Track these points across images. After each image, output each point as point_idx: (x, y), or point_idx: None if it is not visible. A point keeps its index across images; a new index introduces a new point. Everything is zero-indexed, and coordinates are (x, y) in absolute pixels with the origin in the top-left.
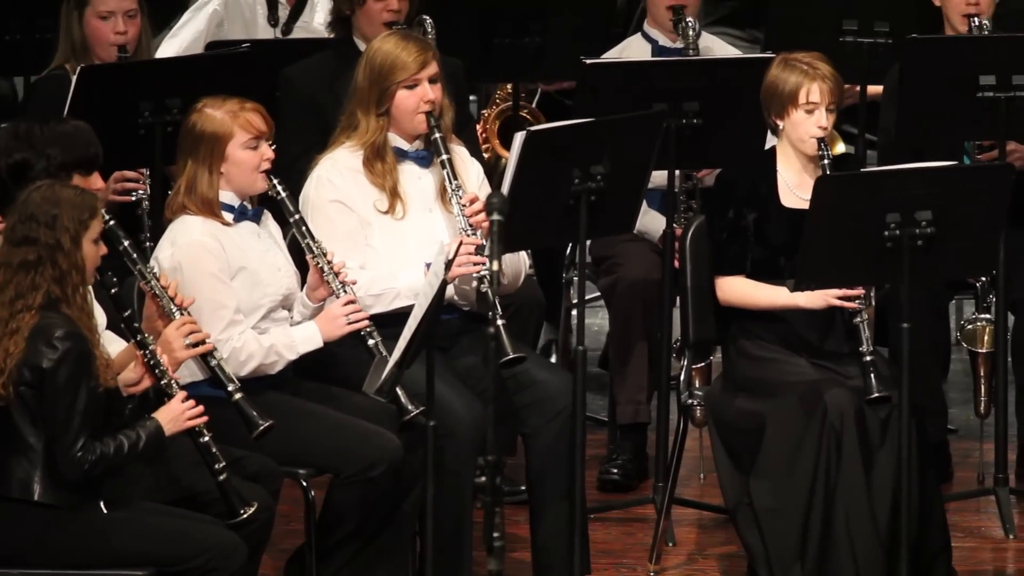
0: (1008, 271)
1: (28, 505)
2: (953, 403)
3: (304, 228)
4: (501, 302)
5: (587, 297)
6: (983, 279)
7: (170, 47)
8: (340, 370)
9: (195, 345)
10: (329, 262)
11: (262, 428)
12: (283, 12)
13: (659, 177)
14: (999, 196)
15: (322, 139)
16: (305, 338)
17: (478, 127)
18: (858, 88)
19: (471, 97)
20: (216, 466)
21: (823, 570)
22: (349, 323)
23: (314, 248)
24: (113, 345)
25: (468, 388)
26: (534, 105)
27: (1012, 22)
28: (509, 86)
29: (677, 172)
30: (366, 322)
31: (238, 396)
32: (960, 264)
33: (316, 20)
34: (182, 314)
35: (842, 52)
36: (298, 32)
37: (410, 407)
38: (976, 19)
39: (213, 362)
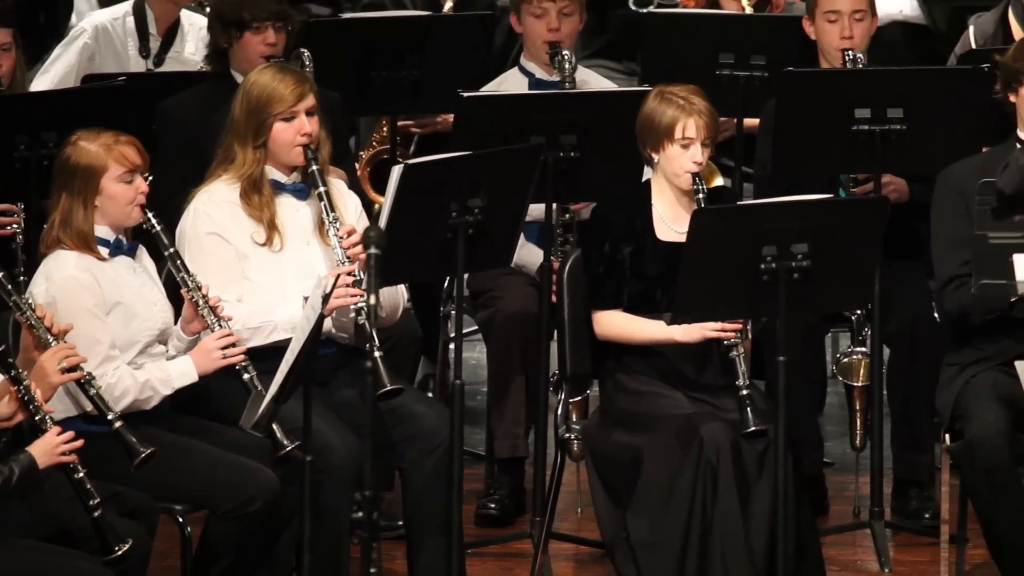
0: (883, 304)
1: None
2: (829, 436)
3: (179, 262)
4: (379, 335)
5: (465, 331)
6: (859, 312)
7: (42, 83)
8: (216, 405)
9: (71, 370)
10: (204, 296)
11: (144, 455)
12: (154, 44)
13: (536, 210)
14: (874, 229)
15: (199, 172)
16: (180, 373)
17: None
18: (735, 121)
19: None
20: (90, 502)
21: None
22: (224, 357)
23: (189, 282)
24: None
25: (345, 423)
26: (411, 151)
27: (886, 55)
28: (385, 128)
29: (554, 205)
30: (241, 356)
31: (118, 424)
32: (836, 297)
33: (187, 50)
34: (58, 342)
35: (718, 85)
36: (170, 63)
37: (285, 442)
38: (851, 52)
39: (92, 391)
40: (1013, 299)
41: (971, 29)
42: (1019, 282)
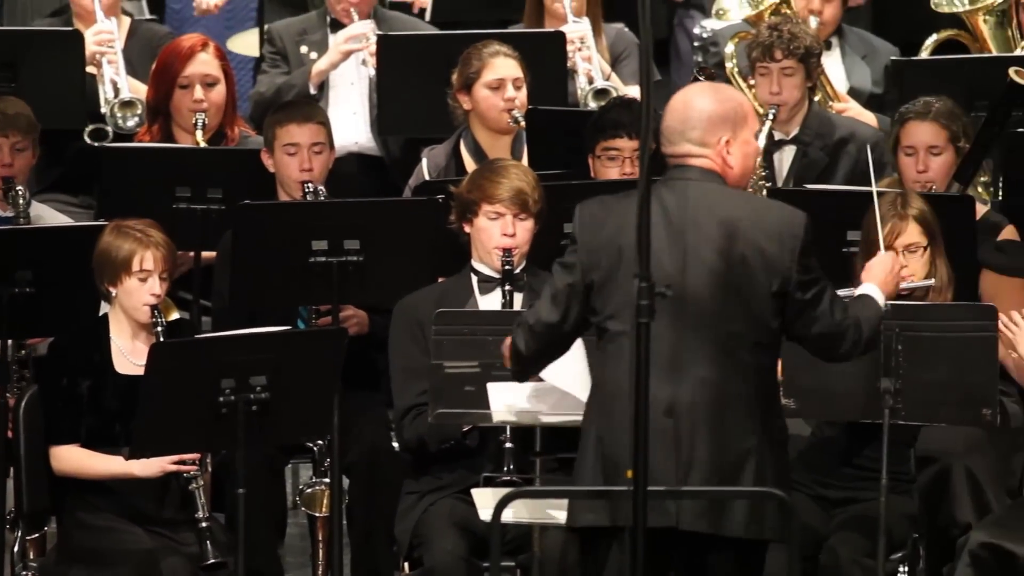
0: (343, 435)
1: None
2: (290, 567)
3: None
4: None
5: None
6: (321, 443)
7: None
8: None
9: None
10: None
11: None
12: None
13: None
14: (332, 360)
15: None
16: None
17: None
18: (192, 254)
19: None
20: None
21: None
22: None
23: None
24: None
25: None
26: None
27: (343, 187)
28: None
29: (10, 341)
30: None
31: None
32: (295, 428)
33: None
34: None
35: (176, 218)
36: None
37: None
38: (310, 185)
39: None
40: (467, 428)
41: (424, 161)
42: (495, 411)
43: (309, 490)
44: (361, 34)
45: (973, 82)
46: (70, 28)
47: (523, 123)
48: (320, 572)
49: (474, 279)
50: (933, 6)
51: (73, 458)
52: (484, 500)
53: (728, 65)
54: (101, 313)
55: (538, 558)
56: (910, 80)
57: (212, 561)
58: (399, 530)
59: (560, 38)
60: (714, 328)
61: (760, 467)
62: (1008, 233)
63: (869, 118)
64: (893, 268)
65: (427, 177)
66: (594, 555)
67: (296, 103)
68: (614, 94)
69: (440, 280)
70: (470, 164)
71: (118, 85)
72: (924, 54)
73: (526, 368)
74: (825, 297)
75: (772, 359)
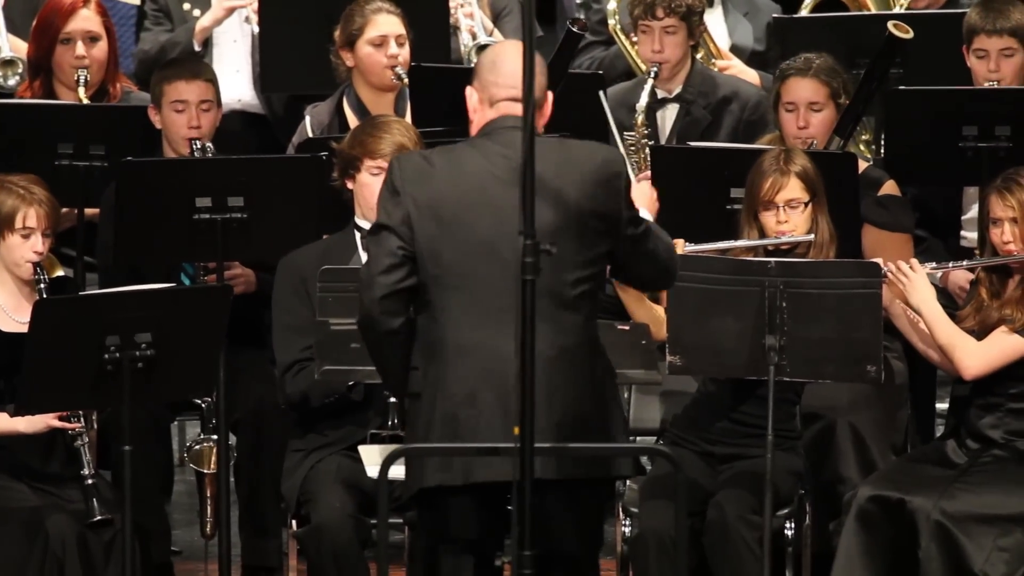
0: (229, 391)
1: None
2: (177, 524)
3: None
4: None
5: None
6: (209, 399)
7: None
8: None
9: None
10: None
11: None
12: None
13: None
14: (217, 317)
15: None
16: None
17: None
18: (76, 211)
19: None
20: None
21: None
22: None
23: None
24: None
25: None
26: None
27: (227, 144)
28: None
29: None
30: None
31: None
32: (180, 385)
33: None
34: None
35: (58, 175)
36: None
37: None
38: (198, 142)
39: None
40: (351, 383)
41: (308, 118)
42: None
43: (197, 446)
44: None
45: (854, 39)
46: None
47: (406, 80)
48: (208, 529)
49: (357, 236)
50: None
51: None
52: (371, 457)
53: (610, 22)
54: None
55: None
56: (792, 37)
57: (98, 518)
58: (286, 488)
59: None
60: (549, 276)
61: (602, 415)
62: (888, 188)
63: (752, 76)
64: (652, 196)
65: (310, 134)
66: (437, 513)
67: (183, 60)
68: None
69: (324, 237)
70: (353, 121)
71: None
72: (805, 11)
73: (384, 332)
74: (651, 233)
75: (596, 306)
